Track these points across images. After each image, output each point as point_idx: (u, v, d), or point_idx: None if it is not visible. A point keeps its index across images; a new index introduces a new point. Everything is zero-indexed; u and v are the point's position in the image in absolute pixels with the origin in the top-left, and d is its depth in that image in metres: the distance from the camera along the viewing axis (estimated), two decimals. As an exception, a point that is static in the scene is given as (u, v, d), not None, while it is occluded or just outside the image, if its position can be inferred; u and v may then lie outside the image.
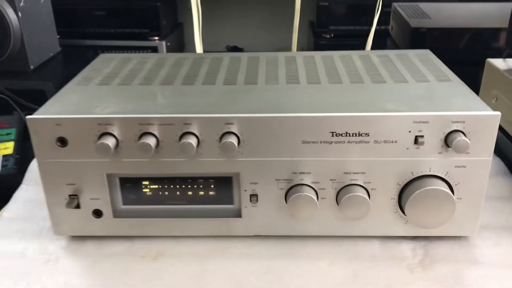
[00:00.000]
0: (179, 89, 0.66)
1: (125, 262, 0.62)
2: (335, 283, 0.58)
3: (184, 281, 0.59)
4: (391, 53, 0.79)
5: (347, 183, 0.61)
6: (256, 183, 0.61)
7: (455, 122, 0.57)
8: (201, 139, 0.58)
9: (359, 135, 0.58)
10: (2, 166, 0.79)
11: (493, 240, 0.65)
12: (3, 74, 1.36)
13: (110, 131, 0.58)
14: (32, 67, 1.39)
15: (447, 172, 0.59)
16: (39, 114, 0.59)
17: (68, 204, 0.62)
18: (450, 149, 0.57)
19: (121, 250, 0.64)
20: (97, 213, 0.63)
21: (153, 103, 0.62)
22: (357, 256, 0.62)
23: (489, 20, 1.27)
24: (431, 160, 0.59)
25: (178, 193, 0.63)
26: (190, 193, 0.63)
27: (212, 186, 0.63)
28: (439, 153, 0.58)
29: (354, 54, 0.79)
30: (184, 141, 0.57)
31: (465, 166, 0.59)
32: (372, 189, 0.61)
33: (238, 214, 0.63)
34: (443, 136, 0.57)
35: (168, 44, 1.90)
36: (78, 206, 0.63)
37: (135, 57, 0.80)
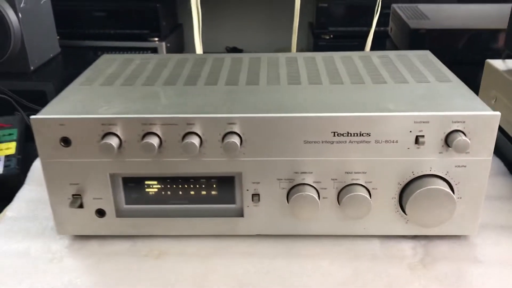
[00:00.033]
0: (182, 89, 0.67)
1: (128, 261, 0.63)
2: (336, 282, 0.59)
3: (187, 280, 0.59)
4: (392, 54, 0.80)
5: (349, 183, 0.61)
6: (258, 183, 0.62)
7: (455, 122, 0.57)
8: (204, 139, 0.59)
9: (360, 135, 0.59)
10: (5, 166, 0.79)
11: (493, 239, 0.65)
12: (4, 75, 1.36)
13: (113, 131, 0.58)
14: (32, 68, 1.40)
15: (447, 172, 0.60)
16: (43, 114, 0.59)
17: (71, 204, 0.62)
18: (450, 149, 0.58)
19: (124, 249, 0.65)
20: (100, 213, 0.64)
21: (156, 103, 0.62)
22: (358, 255, 0.63)
23: (488, 21, 1.28)
24: (432, 160, 0.59)
25: (180, 192, 0.64)
26: (192, 192, 0.64)
27: (215, 185, 0.63)
28: (440, 153, 0.59)
29: (355, 55, 0.80)
30: (187, 141, 0.57)
31: (465, 166, 0.59)
32: (373, 188, 0.61)
33: (240, 213, 0.64)
34: (443, 136, 0.58)
35: (168, 45, 1.91)
36: (81, 206, 0.63)
37: (137, 57, 0.80)
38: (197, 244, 0.65)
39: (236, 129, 0.58)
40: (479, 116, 0.57)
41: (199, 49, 1.23)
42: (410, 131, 0.58)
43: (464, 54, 1.24)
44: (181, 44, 2.15)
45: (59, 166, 0.61)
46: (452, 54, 1.23)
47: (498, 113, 0.57)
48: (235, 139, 0.58)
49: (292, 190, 0.61)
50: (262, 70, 0.73)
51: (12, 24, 1.33)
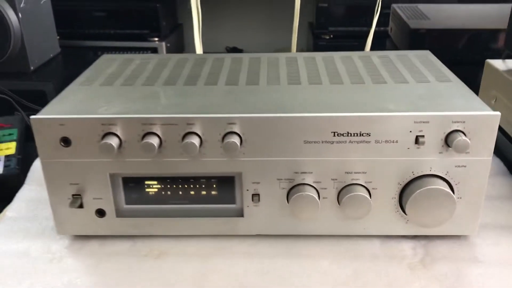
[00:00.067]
0: (182, 89, 0.67)
1: (128, 261, 0.63)
2: (337, 282, 0.59)
3: (187, 280, 0.59)
4: (392, 54, 0.80)
5: (349, 183, 0.61)
6: (258, 183, 0.62)
7: (455, 122, 0.57)
8: (204, 139, 0.59)
9: (360, 135, 0.59)
10: (5, 166, 0.79)
11: (493, 239, 0.65)
12: (4, 75, 1.36)
13: (113, 131, 0.59)
14: (32, 68, 1.40)
15: (447, 172, 0.60)
16: (43, 114, 0.59)
17: (71, 204, 0.62)
18: (450, 149, 0.58)
19: (124, 249, 0.65)
20: (100, 213, 0.64)
21: (156, 104, 0.62)
22: (358, 255, 0.63)
23: (488, 21, 1.28)
24: (432, 160, 0.59)
25: (180, 192, 0.64)
26: (192, 192, 0.64)
27: (215, 185, 0.63)
28: (440, 152, 0.59)
29: (355, 55, 0.80)
30: (187, 141, 0.57)
31: (465, 166, 0.59)
32: (373, 188, 0.61)
33: (240, 213, 0.64)
34: (443, 136, 0.58)
35: (168, 45, 1.91)
36: (81, 206, 0.63)
37: (137, 57, 0.80)
38: (197, 244, 0.65)
39: (236, 129, 0.58)
40: (479, 116, 0.57)
41: (199, 49, 1.23)
42: (410, 131, 0.58)
43: (464, 54, 1.24)
44: (181, 44, 2.15)
45: (59, 166, 0.61)
46: (452, 54, 1.23)
47: (498, 113, 0.57)
48: (235, 139, 0.58)
49: (292, 190, 0.61)
50: (262, 70, 0.73)
51: (12, 24, 1.33)
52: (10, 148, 0.83)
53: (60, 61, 1.54)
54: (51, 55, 1.51)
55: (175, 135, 0.59)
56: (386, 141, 0.59)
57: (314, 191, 0.61)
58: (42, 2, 1.46)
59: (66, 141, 0.59)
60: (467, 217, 0.62)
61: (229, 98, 0.63)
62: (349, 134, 0.59)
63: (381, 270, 0.60)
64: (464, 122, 0.57)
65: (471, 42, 1.23)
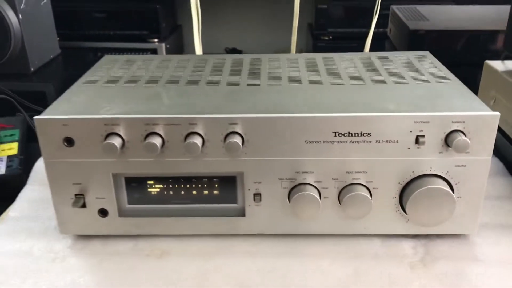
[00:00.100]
0: (184, 90, 0.67)
1: (130, 260, 0.63)
2: (338, 281, 0.59)
3: (189, 279, 0.60)
4: (391, 55, 0.80)
5: (349, 182, 0.62)
6: (259, 183, 0.62)
7: (455, 122, 0.58)
8: (206, 139, 0.59)
9: (361, 135, 0.59)
10: (7, 166, 0.80)
11: (492, 238, 0.66)
12: (4, 76, 1.36)
13: (116, 131, 0.59)
14: (32, 69, 1.40)
15: (447, 171, 0.60)
16: (46, 115, 0.59)
17: (74, 204, 0.63)
18: (450, 148, 0.59)
19: (126, 248, 0.65)
20: (103, 212, 0.64)
21: (159, 104, 0.63)
22: (359, 254, 0.63)
23: (487, 22, 1.29)
24: (432, 160, 0.60)
25: (182, 192, 0.64)
26: (194, 192, 0.64)
27: (216, 185, 0.64)
28: (440, 152, 0.59)
29: (355, 55, 0.80)
30: (189, 141, 0.58)
31: (465, 166, 0.60)
32: (373, 188, 0.62)
33: (241, 213, 0.64)
34: (443, 136, 0.58)
35: (168, 46, 1.91)
36: (84, 206, 0.63)
37: (139, 58, 0.81)
38: (199, 244, 0.65)
39: (238, 129, 0.59)
40: (479, 116, 0.58)
41: (199, 50, 1.23)
42: (411, 131, 0.58)
43: (463, 55, 1.24)
44: (180, 45, 2.15)
45: (62, 166, 0.61)
46: (451, 55, 1.23)
47: (498, 113, 0.58)
48: (237, 139, 0.58)
49: (294, 189, 0.62)
50: (263, 71, 0.74)
51: (12, 25, 1.33)
52: (12, 148, 0.84)
53: (60, 62, 1.54)
54: (51, 56, 1.51)
55: (178, 135, 0.59)
56: (387, 141, 0.59)
57: (315, 190, 0.61)
58: (42, 3, 1.46)
59: (69, 141, 0.60)
60: (467, 216, 0.63)
61: (230, 99, 0.64)
62: (350, 134, 0.59)
63: (382, 269, 0.61)
64: (464, 122, 0.58)
65: (470, 43, 1.23)
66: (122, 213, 0.64)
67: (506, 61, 0.92)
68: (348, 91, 0.66)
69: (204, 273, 0.61)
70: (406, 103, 0.61)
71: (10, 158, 0.82)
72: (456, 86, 0.67)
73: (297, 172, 0.61)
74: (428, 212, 0.61)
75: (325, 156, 0.60)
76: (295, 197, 0.61)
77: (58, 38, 1.55)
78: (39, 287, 0.59)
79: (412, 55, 0.80)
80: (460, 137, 0.57)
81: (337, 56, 0.80)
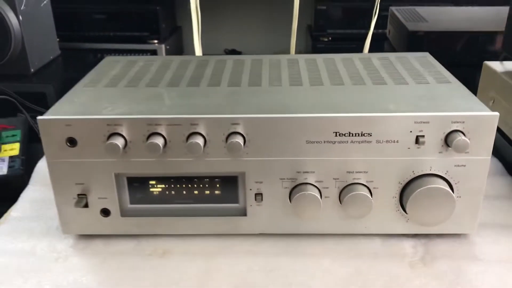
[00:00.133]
0: (185, 90, 0.68)
1: (132, 260, 0.63)
2: (338, 280, 0.60)
3: (191, 279, 0.60)
4: (391, 56, 0.81)
5: (350, 182, 0.62)
6: (261, 182, 0.62)
7: (455, 122, 0.58)
8: (208, 139, 0.60)
9: (361, 135, 0.60)
10: (9, 167, 0.80)
11: (492, 237, 0.66)
12: (4, 77, 1.37)
13: (119, 131, 0.59)
14: (32, 70, 1.40)
15: (447, 171, 0.61)
16: (49, 115, 0.60)
17: (77, 203, 0.63)
18: (450, 148, 0.59)
19: (128, 248, 0.65)
20: (105, 212, 0.65)
21: (160, 104, 0.63)
22: (359, 253, 0.64)
23: (486, 23, 1.29)
24: (432, 160, 0.60)
25: (184, 192, 0.65)
26: (196, 192, 0.65)
27: (218, 185, 0.64)
28: (440, 152, 0.60)
29: (355, 56, 0.81)
30: (191, 141, 0.58)
31: (464, 165, 0.61)
32: (374, 188, 0.62)
33: (243, 212, 0.65)
34: (443, 136, 0.59)
35: (167, 47, 1.91)
36: (86, 205, 0.64)
37: (140, 59, 0.81)
38: (201, 243, 0.66)
39: (239, 129, 0.59)
40: (478, 117, 0.58)
41: (198, 51, 1.24)
42: (411, 131, 0.59)
43: (462, 56, 1.25)
44: (180, 47, 2.16)
45: (65, 166, 0.62)
46: (450, 56, 1.24)
47: (497, 113, 0.58)
48: (239, 139, 0.59)
49: (295, 189, 0.62)
50: (264, 72, 0.74)
51: (12, 27, 1.33)
52: (14, 149, 0.84)
53: (60, 63, 1.55)
54: (51, 57, 1.52)
55: (180, 135, 0.60)
56: (387, 141, 0.60)
57: (316, 190, 0.62)
58: (42, 5, 1.47)
59: (72, 142, 0.60)
60: (467, 215, 0.63)
61: (232, 99, 0.64)
62: (351, 134, 0.60)
63: (382, 268, 0.61)
64: (463, 122, 0.58)
65: (469, 44, 1.24)
66: (124, 213, 0.65)
67: (505, 62, 0.93)
68: (349, 92, 0.66)
69: (206, 273, 0.61)
70: (406, 104, 0.61)
71: (12, 158, 0.82)
72: (456, 86, 0.67)
73: (298, 172, 0.62)
74: (428, 211, 0.61)
75: (326, 156, 0.61)
76: (296, 197, 0.61)
77: (58, 39, 1.56)
78: (42, 286, 0.59)
79: (411, 56, 0.81)
80: (460, 137, 0.58)
81: (337, 57, 0.81)
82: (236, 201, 0.65)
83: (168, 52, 1.92)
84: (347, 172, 0.62)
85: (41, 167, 0.83)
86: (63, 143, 0.60)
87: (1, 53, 1.35)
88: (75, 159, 0.61)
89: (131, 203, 0.65)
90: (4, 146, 0.84)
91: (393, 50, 1.43)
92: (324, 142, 0.60)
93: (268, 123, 0.59)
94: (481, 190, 0.62)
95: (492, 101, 0.90)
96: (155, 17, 1.87)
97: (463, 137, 0.58)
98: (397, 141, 0.60)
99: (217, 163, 0.61)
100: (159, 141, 0.59)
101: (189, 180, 0.64)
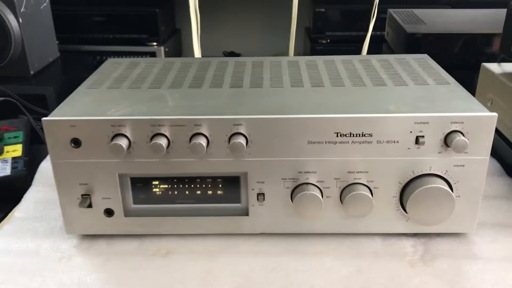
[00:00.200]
0: (188, 92, 0.68)
1: (136, 259, 0.64)
2: (340, 278, 0.61)
3: (194, 278, 0.61)
4: (391, 58, 0.82)
5: (351, 182, 0.63)
6: (263, 182, 0.63)
7: (454, 122, 0.59)
8: (211, 139, 0.60)
9: (362, 136, 0.60)
10: (12, 168, 0.81)
11: (491, 237, 0.67)
12: (4, 79, 1.37)
13: (122, 132, 0.60)
14: (32, 72, 1.41)
15: (446, 171, 0.62)
16: (54, 116, 0.61)
17: (81, 204, 0.64)
18: (449, 148, 0.60)
19: (132, 248, 0.66)
20: (109, 212, 0.65)
21: (164, 105, 0.64)
22: (360, 252, 0.65)
23: (483, 26, 1.30)
24: (431, 160, 0.61)
25: (187, 192, 0.65)
26: (199, 192, 0.65)
27: (221, 185, 0.65)
28: (439, 152, 0.61)
29: (355, 58, 0.82)
30: (194, 141, 0.59)
31: (463, 165, 0.61)
32: (374, 187, 0.63)
33: (245, 212, 0.65)
34: (442, 136, 0.60)
35: (167, 49, 1.92)
36: (90, 206, 0.64)
37: (142, 61, 0.82)
38: (203, 243, 0.66)
39: (242, 130, 0.60)
40: (477, 117, 0.59)
41: (197, 53, 1.25)
42: (411, 132, 0.60)
43: (460, 58, 1.26)
44: (179, 49, 2.16)
45: (69, 167, 0.62)
46: (448, 58, 1.25)
47: (495, 114, 0.59)
48: (241, 140, 0.59)
49: (296, 189, 0.63)
50: (265, 73, 0.75)
51: (12, 29, 1.34)
52: (17, 150, 0.85)
53: (60, 65, 1.55)
54: (51, 59, 1.52)
55: (183, 136, 0.60)
56: (387, 142, 0.61)
57: (318, 190, 0.63)
58: (42, 7, 1.47)
59: (76, 142, 0.61)
60: (466, 215, 0.64)
61: (234, 100, 0.65)
62: (352, 135, 0.60)
63: (383, 267, 0.62)
64: (462, 123, 0.59)
65: (467, 46, 1.25)
66: (127, 213, 0.66)
67: (502, 64, 0.94)
68: (349, 93, 0.67)
69: (209, 272, 0.62)
70: (406, 105, 0.62)
71: (14, 159, 0.83)
72: (455, 88, 0.68)
73: (300, 172, 0.63)
74: (428, 211, 0.62)
75: (327, 156, 0.62)
76: (297, 197, 0.62)
77: (57, 42, 1.56)
78: (47, 286, 0.60)
79: (410, 57, 0.82)
80: (459, 137, 0.58)
81: (337, 58, 0.82)
82: (238, 201, 0.65)
83: (167, 55, 1.93)
84: (348, 172, 0.62)
85: (44, 168, 0.84)
86: (67, 144, 0.61)
87: (1, 55, 1.35)
88: (79, 159, 0.62)
89: (135, 203, 0.66)
90: (7, 148, 0.85)
91: (391, 52, 1.44)
92: (325, 142, 0.61)
93: (270, 124, 0.60)
94: (480, 190, 0.63)
95: (490, 102, 0.91)
96: (154, 20, 1.87)
97: (462, 138, 0.58)
98: (397, 142, 0.60)
99: (220, 164, 0.62)
100: (163, 141, 0.59)
101: (192, 180, 0.65)
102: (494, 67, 0.93)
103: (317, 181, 0.63)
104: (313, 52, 1.88)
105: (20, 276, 0.61)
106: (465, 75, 0.90)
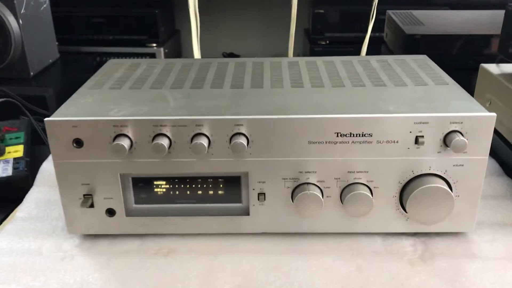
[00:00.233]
0: (189, 92, 0.69)
1: (138, 258, 0.64)
2: (340, 277, 0.61)
3: (196, 277, 0.61)
4: (390, 58, 0.82)
5: (351, 182, 0.63)
6: (263, 182, 0.64)
7: (453, 122, 0.60)
8: (212, 140, 0.61)
9: (362, 136, 0.61)
10: (14, 168, 0.81)
11: (489, 236, 0.68)
12: (4, 80, 1.38)
13: (124, 132, 0.61)
14: (32, 73, 1.41)
15: (445, 171, 0.62)
16: (56, 117, 0.61)
17: (83, 204, 0.64)
18: (448, 148, 0.60)
19: (133, 247, 0.66)
20: (110, 212, 0.66)
21: (165, 106, 0.64)
22: (360, 251, 0.65)
23: (482, 27, 1.31)
24: (431, 159, 0.62)
25: (188, 192, 0.66)
26: (200, 192, 0.66)
27: (222, 185, 0.65)
28: (438, 152, 0.61)
29: (354, 59, 0.82)
30: (196, 141, 0.60)
31: (462, 165, 0.62)
32: (374, 187, 0.63)
33: (246, 212, 0.66)
34: (442, 136, 0.60)
35: (166, 50, 1.92)
36: (92, 205, 0.65)
37: (143, 62, 0.83)
38: (204, 242, 0.67)
39: (243, 130, 0.61)
40: (476, 117, 0.60)
41: (197, 54, 1.25)
42: (410, 132, 0.60)
43: (458, 59, 1.27)
44: (178, 50, 2.16)
45: (71, 167, 0.63)
46: (447, 59, 1.25)
47: (494, 114, 0.60)
48: (242, 140, 0.60)
49: (297, 189, 0.64)
50: (265, 74, 0.76)
51: (13, 30, 1.34)
52: (18, 151, 0.85)
53: (59, 66, 1.56)
54: (50, 60, 1.53)
55: (185, 136, 0.61)
56: (387, 141, 0.61)
57: (318, 190, 0.63)
58: (42, 8, 1.48)
59: (78, 143, 0.61)
60: (465, 214, 0.65)
61: (235, 101, 0.66)
62: (352, 135, 0.61)
63: (383, 266, 0.63)
64: (461, 123, 0.60)
65: (465, 47, 1.25)
66: (129, 213, 0.66)
67: (500, 65, 0.95)
68: (349, 93, 0.67)
69: (210, 271, 0.62)
70: (406, 105, 0.63)
71: (16, 160, 0.83)
72: (454, 88, 0.69)
73: (300, 172, 0.63)
74: (427, 210, 0.63)
75: (327, 156, 0.62)
76: (298, 196, 0.63)
77: (57, 43, 1.56)
78: (50, 285, 0.60)
79: (410, 58, 0.82)
80: (458, 137, 0.59)
81: (337, 59, 0.82)
82: (239, 201, 0.66)
83: (167, 56, 1.93)
84: (348, 172, 0.63)
85: (46, 168, 0.84)
86: (69, 144, 0.61)
87: (1, 56, 1.36)
88: (81, 160, 0.62)
89: (136, 203, 0.66)
90: (8, 148, 0.85)
91: (390, 53, 1.45)
92: (326, 142, 0.61)
93: (271, 124, 0.60)
94: (479, 189, 0.63)
95: (489, 102, 0.92)
96: (154, 21, 1.88)
97: (461, 137, 0.59)
98: (397, 141, 0.61)
99: (221, 164, 0.63)
100: (164, 142, 0.60)
101: (193, 180, 0.65)
102: (493, 67, 0.93)
103: (318, 181, 0.63)
104: (312, 53, 1.89)
105: (22, 276, 0.61)
106: (464, 75, 0.91)
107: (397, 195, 0.64)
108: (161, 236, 0.68)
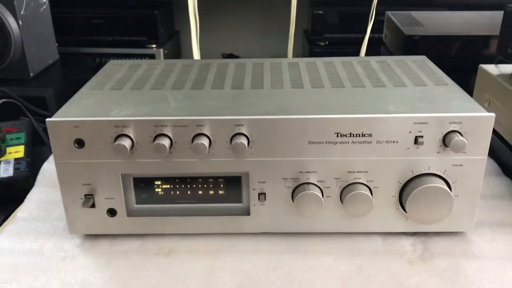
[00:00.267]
0: (189, 93, 0.69)
1: (139, 258, 0.65)
2: (340, 277, 0.61)
3: (196, 277, 0.62)
4: (389, 59, 0.82)
5: (351, 182, 0.64)
6: (264, 182, 0.64)
7: (452, 123, 0.60)
8: (213, 140, 0.61)
9: (362, 136, 0.61)
10: (15, 169, 0.81)
11: (488, 235, 0.68)
12: (4, 81, 1.38)
13: (126, 132, 0.61)
14: (32, 74, 1.41)
15: (445, 171, 0.63)
16: (58, 117, 0.61)
17: (84, 204, 0.64)
18: (448, 148, 0.61)
19: (134, 247, 0.67)
20: (111, 212, 0.66)
21: (166, 106, 0.64)
22: (360, 251, 0.66)
23: (480, 28, 1.31)
24: (430, 159, 0.62)
25: (189, 192, 0.66)
26: (200, 192, 0.66)
27: (222, 185, 0.66)
28: (438, 152, 0.62)
29: (354, 60, 0.83)
30: (197, 142, 0.60)
31: (462, 165, 0.62)
32: (374, 187, 0.64)
33: (246, 212, 0.66)
34: (441, 136, 0.61)
35: (166, 51, 1.92)
36: (93, 206, 0.65)
37: (144, 63, 0.83)
38: (205, 242, 0.67)
39: (243, 130, 0.61)
40: (475, 117, 0.60)
41: (197, 55, 1.25)
42: (410, 132, 0.61)
43: (457, 60, 1.27)
44: (178, 51, 2.17)
45: (73, 167, 0.63)
46: (446, 60, 1.26)
47: (493, 114, 0.60)
48: (243, 140, 0.60)
49: (297, 189, 0.64)
50: (265, 75, 0.76)
51: (12, 31, 1.35)
52: (19, 151, 0.85)
53: (59, 67, 1.56)
54: (50, 61, 1.53)
55: (185, 137, 0.61)
56: (387, 142, 0.61)
57: (318, 190, 0.63)
58: (41, 9, 1.48)
59: (80, 143, 0.62)
60: (464, 214, 0.65)
61: (236, 101, 0.66)
62: (352, 135, 0.61)
63: (383, 265, 0.63)
64: (460, 123, 0.60)
65: (464, 48, 1.26)
66: (130, 213, 0.66)
67: (499, 65, 0.95)
68: (349, 94, 0.68)
69: (211, 271, 0.62)
70: (405, 105, 0.63)
71: (17, 160, 0.83)
72: (453, 88, 0.69)
73: (301, 172, 0.63)
74: (427, 210, 0.63)
75: (327, 156, 0.62)
76: (298, 196, 0.63)
77: (56, 44, 1.57)
78: (51, 285, 0.60)
79: (409, 59, 0.82)
80: (457, 137, 0.59)
81: (336, 60, 0.83)
82: (240, 201, 0.66)
83: (166, 57, 1.94)
84: (348, 172, 0.63)
85: (46, 169, 0.84)
86: (71, 145, 0.62)
87: (1, 57, 1.36)
88: (83, 160, 0.63)
89: (137, 203, 0.66)
90: (9, 149, 0.86)
91: (389, 54, 1.45)
92: (326, 142, 0.62)
93: (271, 124, 0.61)
94: (478, 189, 0.64)
95: (488, 103, 0.92)
96: (153, 22, 1.88)
97: (461, 137, 0.59)
98: (397, 142, 0.61)
99: (222, 164, 0.63)
100: (165, 142, 0.60)
101: (194, 180, 0.65)
102: (491, 68, 0.94)
103: (318, 181, 0.64)
104: (312, 54, 1.89)
105: (24, 276, 0.62)
106: (463, 76, 0.91)
107: (397, 195, 0.64)
108: (162, 236, 0.68)
